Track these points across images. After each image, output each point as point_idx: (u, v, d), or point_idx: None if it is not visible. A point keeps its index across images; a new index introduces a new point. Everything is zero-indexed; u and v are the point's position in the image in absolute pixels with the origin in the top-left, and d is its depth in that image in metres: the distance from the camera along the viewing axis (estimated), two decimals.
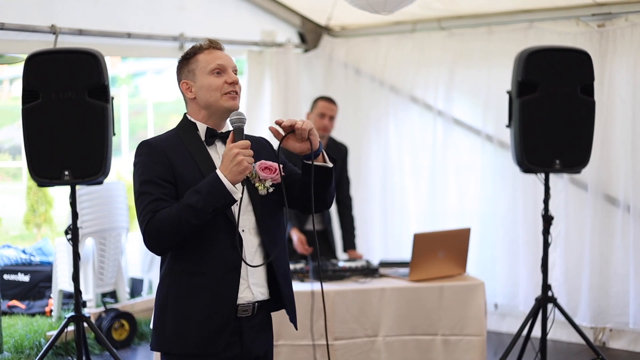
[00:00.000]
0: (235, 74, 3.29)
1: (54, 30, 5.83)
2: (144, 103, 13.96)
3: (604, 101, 6.47)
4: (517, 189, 7.09)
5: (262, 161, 3.20)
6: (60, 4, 6.00)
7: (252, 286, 3.20)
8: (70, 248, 5.18)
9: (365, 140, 7.94)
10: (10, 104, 12.94)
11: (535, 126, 5.55)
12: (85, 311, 5.25)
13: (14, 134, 12.18)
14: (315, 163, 3.17)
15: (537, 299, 5.73)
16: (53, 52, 5.03)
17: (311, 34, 8.18)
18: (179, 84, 3.32)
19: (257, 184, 3.19)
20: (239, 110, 3.20)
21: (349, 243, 6.59)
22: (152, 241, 3.10)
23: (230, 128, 3.19)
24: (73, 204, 5.16)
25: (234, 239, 3.14)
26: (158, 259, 7.38)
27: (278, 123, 3.16)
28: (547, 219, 5.69)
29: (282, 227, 3.35)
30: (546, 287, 5.70)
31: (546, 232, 5.69)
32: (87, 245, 6.89)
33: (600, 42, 6.63)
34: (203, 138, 3.24)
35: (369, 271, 5.80)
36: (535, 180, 6.58)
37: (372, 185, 7.89)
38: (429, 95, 7.64)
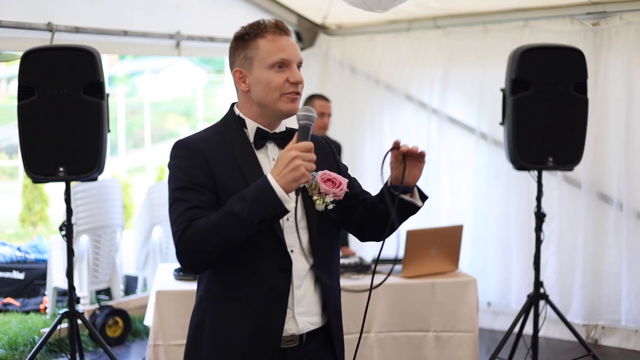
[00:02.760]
0: (300, 68, 2.80)
1: (50, 28, 5.86)
2: (141, 102, 14.01)
3: (598, 99, 6.50)
4: (510, 187, 7.12)
5: (326, 171, 2.76)
6: (57, 2, 6.03)
7: (298, 316, 2.76)
8: (65, 245, 5.19)
9: (360, 138, 7.97)
10: (7, 103, 12.99)
11: (528, 124, 5.57)
12: (79, 308, 5.26)
13: (11, 133, 12.23)
14: (406, 198, 2.79)
15: (529, 296, 5.75)
16: (49, 48, 5.03)
17: (307, 33, 8.21)
18: (231, 69, 2.85)
19: (315, 197, 2.76)
20: (309, 107, 2.71)
21: (342, 240, 6.60)
22: (186, 254, 2.63)
23: (284, 128, 2.84)
24: (68, 200, 5.17)
25: (283, 260, 2.71)
26: (152, 257, 7.50)
27: (397, 146, 2.71)
28: (540, 216, 5.71)
29: (337, 251, 2.90)
30: (538, 284, 5.72)
31: (539, 229, 5.72)
32: (82, 243, 6.91)
33: (594, 40, 6.66)
34: (252, 139, 2.79)
35: (361, 268, 5.82)
36: (528, 178, 6.61)
37: (366, 182, 7.79)
38: (424, 93, 7.67)
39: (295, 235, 2.70)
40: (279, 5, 7.83)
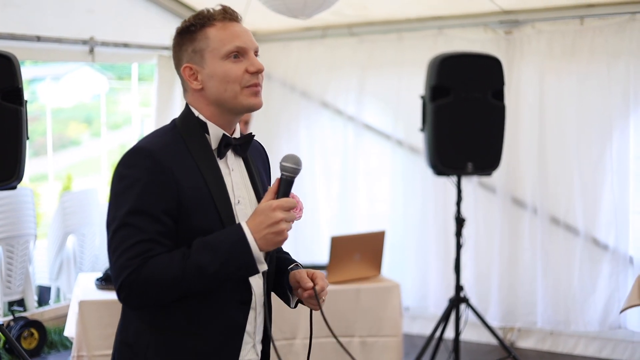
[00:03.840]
0: (257, 56, 2.52)
1: None
2: (42, 109, 13.69)
3: (511, 106, 6.64)
4: (427, 193, 7.21)
5: (292, 193, 2.46)
6: None
7: (258, 344, 2.59)
8: None
9: (276, 145, 7.95)
10: None
11: (448, 130, 5.68)
12: None
13: None
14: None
15: (450, 300, 5.84)
16: None
17: None
18: (178, 68, 2.54)
19: None
20: (294, 154, 2.44)
21: None
22: (134, 296, 2.31)
23: (239, 129, 2.61)
24: None
25: (244, 293, 2.48)
26: (66, 266, 7.35)
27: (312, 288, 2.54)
28: (460, 221, 5.81)
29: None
30: (459, 287, 5.82)
31: (459, 233, 5.82)
32: None
33: (507, 48, 6.82)
34: (215, 146, 2.49)
35: None
36: (444, 184, 6.73)
37: None
38: (340, 100, 7.71)
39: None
40: (192, 10, 7.74)
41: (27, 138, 4.97)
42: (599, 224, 6.54)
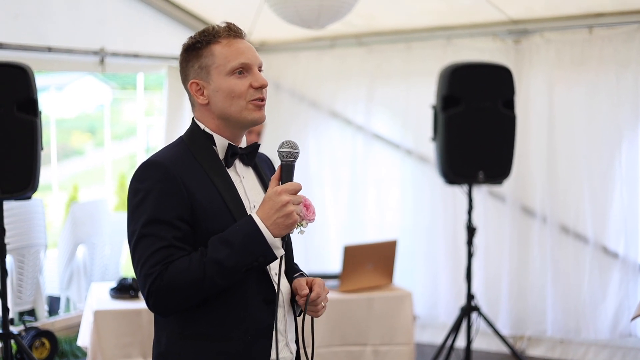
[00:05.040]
0: (261, 71, 2.61)
1: None
2: (46, 119, 13.70)
3: (521, 115, 6.64)
4: (436, 202, 7.23)
5: (304, 197, 2.54)
6: None
7: (291, 342, 2.64)
8: None
9: None
10: None
11: (459, 139, 5.72)
12: (13, 329, 5.14)
13: None
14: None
15: (462, 308, 5.86)
16: None
17: None
18: (185, 83, 2.63)
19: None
20: (291, 140, 2.53)
21: None
22: (162, 302, 2.39)
23: (245, 141, 2.71)
24: (0, 219, 5.06)
25: (268, 292, 2.53)
26: (76, 276, 7.36)
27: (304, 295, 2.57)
28: (471, 230, 5.84)
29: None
30: (470, 296, 5.85)
31: (470, 242, 5.85)
32: (6, 263, 6.73)
33: (516, 57, 6.85)
34: (222, 156, 2.58)
35: None
36: (454, 193, 6.75)
37: None
38: (349, 110, 7.74)
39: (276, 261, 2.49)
40: (201, 21, 7.79)
41: (42, 148, 5.01)
42: (608, 232, 6.57)
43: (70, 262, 7.42)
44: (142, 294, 2.43)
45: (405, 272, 7.34)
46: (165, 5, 7.36)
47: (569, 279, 6.66)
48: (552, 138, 6.72)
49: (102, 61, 6.88)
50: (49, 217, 9.97)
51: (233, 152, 2.59)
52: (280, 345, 2.58)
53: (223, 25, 2.59)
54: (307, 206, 2.55)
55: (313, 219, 2.58)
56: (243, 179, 2.63)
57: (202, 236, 2.45)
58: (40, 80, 13.67)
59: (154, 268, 2.36)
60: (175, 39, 7.60)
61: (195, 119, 2.63)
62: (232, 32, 2.58)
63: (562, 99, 6.71)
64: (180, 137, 2.66)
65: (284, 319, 2.60)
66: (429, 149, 6.55)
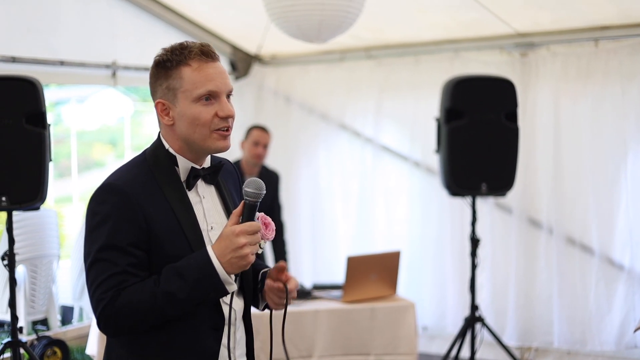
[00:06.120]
0: (230, 97, 2.57)
1: None
2: (67, 132, 13.83)
3: (527, 128, 6.69)
4: (444, 213, 7.27)
5: (262, 214, 2.52)
6: None
7: (240, 358, 2.65)
8: (1, 275, 5.16)
9: (296, 167, 8.06)
10: None
11: (462, 151, 5.77)
12: (25, 338, 5.24)
13: None
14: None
15: (466, 319, 5.91)
16: None
17: (242, 62, 8.29)
18: (153, 98, 2.58)
19: None
20: (256, 179, 2.47)
21: None
22: (110, 327, 2.41)
23: (209, 161, 2.63)
24: (10, 229, 5.17)
25: (217, 318, 2.53)
26: None
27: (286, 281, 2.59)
28: (475, 241, 5.89)
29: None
30: (474, 307, 5.89)
31: (474, 253, 5.90)
32: (19, 273, 6.83)
33: (522, 70, 6.89)
34: (184, 178, 2.55)
35: (302, 294, 5.90)
36: (461, 205, 6.79)
37: (302, 210, 7.99)
38: (358, 122, 7.81)
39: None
40: (214, 35, 7.90)
41: (51, 160, 5.11)
42: (614, 244, 6.58)
43: (82, 272, 7.51)
44: (94, 315, 2.44)
45: (413, 282, 7.39)
46: (176, 19, 7.48)
47: (575, 290, 6.68)
48: (558, 150, 6.75)
49: (114, 74, 6.99)
50: (68, 229, 10.09)
51: (195, 175, 2.56)
52: None
53: (197, 46, 2.51)
54: (267, 225, 2.52)
55: (271, 238, 2.55)
56: (203, 199, 2.59)
57: (159, 260, 2.44)
58: (61, 93, 13.85)
59: (106, 294, 2.37)
60: None
61: (160, 134, 2.60)
62: (204, 55, 2.50)
63: (568, 112, 6.74)
64: (143, 153, 2.61)
65: (233, 336, 2.59)
66: (437, 160, 6.60)
